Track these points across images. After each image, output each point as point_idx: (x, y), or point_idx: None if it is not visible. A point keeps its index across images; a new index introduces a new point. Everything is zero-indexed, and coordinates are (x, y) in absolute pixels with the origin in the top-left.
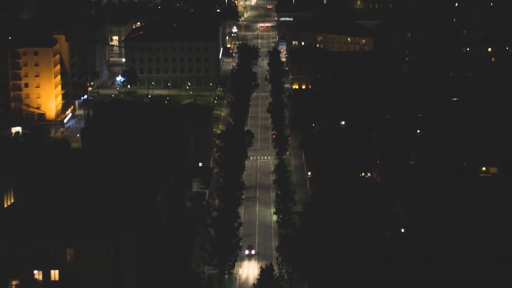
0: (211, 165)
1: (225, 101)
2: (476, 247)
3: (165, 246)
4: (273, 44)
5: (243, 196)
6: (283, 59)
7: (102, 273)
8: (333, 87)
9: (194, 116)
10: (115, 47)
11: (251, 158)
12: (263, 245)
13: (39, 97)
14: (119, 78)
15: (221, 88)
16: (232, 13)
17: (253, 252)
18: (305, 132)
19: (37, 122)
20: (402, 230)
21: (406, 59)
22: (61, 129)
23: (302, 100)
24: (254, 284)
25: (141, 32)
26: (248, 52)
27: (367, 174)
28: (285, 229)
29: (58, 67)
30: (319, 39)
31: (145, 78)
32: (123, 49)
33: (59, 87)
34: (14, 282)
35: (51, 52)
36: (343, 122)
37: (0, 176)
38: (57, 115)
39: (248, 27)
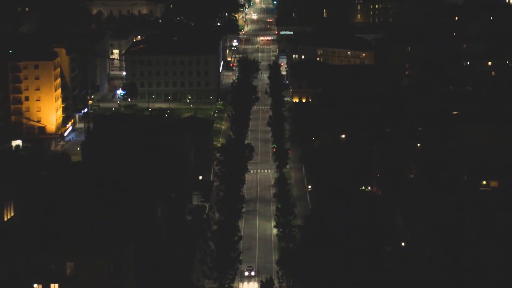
0: (211, 179)
1: (225, 115)
2: (477, 261)
3: (165, 260)
4: (274, 58)
5: (243, 210)
6: (283, 73)
7: (102, 286)
8: (333, 101)
9: (195, 130)
10: (115, 61)
11: (251, 171)
12: (263, 259)
13: (39, 111)
14: (120, 92)
15: (222, 102)
16: (233, 27)
17: (252, 273)
18: (305, 146)
19: (37, 136)
20: (403, 244)
21: (406, 72)
22: (62, 142)
23: (302, 113)
24: None
25: (141, 46)
26: (248, 66)
27: (367, 188)
28: (285, 243)
29: (59, 80)
30: (319, 53)
31: (145, 91)
32: (123, 63)
33: (60, 100)
34: None
35: (52, 66)
36: (343, 136)
37: (0, 189)
38: (58, 129)
39: (248, 40)
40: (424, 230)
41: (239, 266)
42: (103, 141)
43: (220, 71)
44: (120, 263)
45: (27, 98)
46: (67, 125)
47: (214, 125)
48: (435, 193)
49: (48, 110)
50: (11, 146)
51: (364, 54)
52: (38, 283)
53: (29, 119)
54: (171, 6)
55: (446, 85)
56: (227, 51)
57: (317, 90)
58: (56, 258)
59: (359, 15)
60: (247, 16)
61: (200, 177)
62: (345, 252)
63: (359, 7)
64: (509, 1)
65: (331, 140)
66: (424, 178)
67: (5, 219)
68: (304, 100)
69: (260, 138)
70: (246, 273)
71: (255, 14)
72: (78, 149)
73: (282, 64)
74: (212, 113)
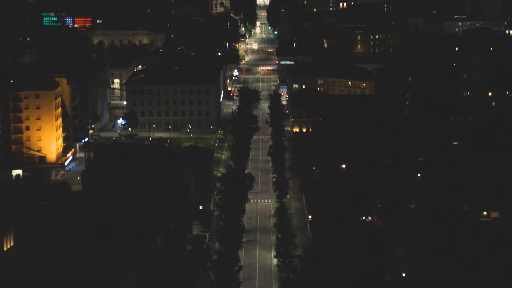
0: (211, 208)
1: (225, 144)
2: None
3: None
4: (274, 87)
5: (243, 240)
6: (284, 102)
7: None
8: (333, 131)
9: (195, 159)
10: (116, 90)
11: (252, 201)
12: None
13: (40, 140)
14: (120, 121)
15: (222, 131)
16: (233, 57)
17: None
18: (305, 175)
19: (37, 165)
20: (403, 275)
21: (407, 102)
22: (62, 171)
23: (302, 143)
24: None
25: (142, 75)
26: (249, 95)
27: (367, 218)
28: (285, 273)
29: (60, 110)
30: (319, 83)
31: (146, 120)
32: (124, 92)
33: (60, 129)
34: None
35: (53, 95)
36: (343, 166)
37: (0, 219)
38: (58, 158)
39: (249, 70)
40: (424, 261)
41: None
42: (104, 171)
43: (221, 100)
44: None
45: (27, 128)
46: (68, 155)
47: (215, 154)
48: (436, 224)
49: (49, 140)
50: (12, 175)
51: (364, 84)
52: None
53: (29, 148)
54: (172, 36)
55: (447, 115)
56: (228, 80)
57: (318, 119)
58: None
59: (359, 45)
60: (247, 46)
61: (200, 207)
62: (345, 283)
63: (359, 37)
64: (509, 32)
65: (331, 170)
66: (425, 208)
67: (5, 249)
68: (304, 130)
69: (260, 167)
70: None
71: (256, 44)
72: (79, 178)
73: (282, 93)
74: (213, 142)
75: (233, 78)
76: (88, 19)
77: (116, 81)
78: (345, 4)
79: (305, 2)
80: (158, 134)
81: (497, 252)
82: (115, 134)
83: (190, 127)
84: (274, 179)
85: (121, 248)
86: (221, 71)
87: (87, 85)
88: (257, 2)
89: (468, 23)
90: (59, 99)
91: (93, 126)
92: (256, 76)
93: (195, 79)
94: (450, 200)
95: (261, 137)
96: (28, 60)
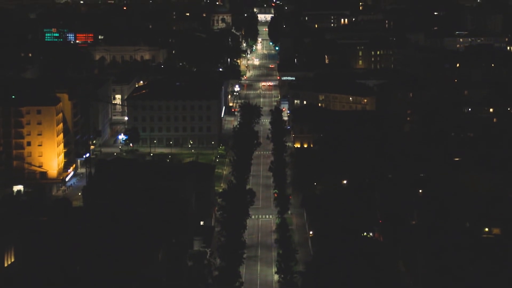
0: (212, 224)
1: (227, 160)
2: None
3: None
4: (275, 103)
5: (245, 255)
6: (285, 118)
7: None
8: (335, 146)
9: (196, 175)
10: (117, 106)
11: (253, 216)
12: None
13: (41, 156)
14: (121, 137)
15: (223, 147)
16: (235, 72)
17: None
18: (307, 191)
19: (39, 181)
20: None
21: (408, 118)
22: (63, 187)
23: (304, 159)
24: None
25: (143, 91)
26: (250, 111)
27: (369, 234)
28: None
29: (61, 125)
30: (321, 98)
31: (147, 136)
32: (125, 108)
33: (62, 145)
34: None
35: (54, 111)
36: (345, 181)
37: (1, 235)
38: (59, 174)
39: (250, 86)
40: (425, 277)
41: None
42: (105, 186)
43: (222, 116)
44: None
45: (29, 143)
46: (69, 170)
47: (216, 170)
48: (437, 240)
49: (50, 155)
50: (13, 191)
51: (365, 100)
52: None
53: (30, 164)
54: (173, 52)
55: (448, 131)
56: (229, 96)
57: (319, 135)
58: None
59: (360, 61)
60: (249, 62)
61: (201, 223)
62: None
63: (360, 53)
64: (510, 48)
65: (332, 185)
66: (426, 224)
67: (6, 265)
68: (305, 146)
69: (261, 183)
70: None
71: (257, 59)
72: (80, 194)
73: (284, 109)
74: (214, 158)
75: (235, 93)
76: (90, 35)
77: (118, 96)
78: (346, 20)
79: (306, 18)
80: (159, 150)
81: (498, 269)
82: (116, 150)
83: (191, 142)
84: (275, 195)
85: (121, 264)
86: (223, 87)
87: (88, 101)
88: (259, 18)
89: (469, 40)
90: (60, 115)
91: (94, 141)
92: (258, 91)
93: (197, 94)
94: (451, 216)
95: (262, 152)
96: (30, 75)
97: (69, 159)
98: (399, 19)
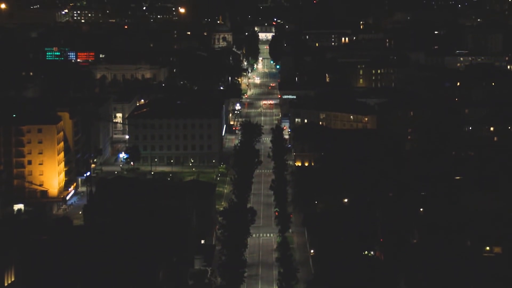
0: (213, 242)
1: (228, 178)
2: None
3: None
4: (276, 122)
5: (245, 274)
6: (286, 136)
7: None
8: (336, 165)
9: (197, 193)
10: (118, 124)
11: (254, 235)
12: None
13: (42, 174)
14: (122, 155)
15: (224, 165)
16: (236, 91)
17: None
18: (308, 210)
19: (39, 199)
20: None
21: (409, 137)
22: (64, 206)
23: (305, 177)
24: None
25: (144, 109)
26: (251, 129)
27: (370, 252)
28: None
29: (62, 144)
30: (321, 117)
31: (148, 154)
32: (126, 126)
33: (62, 164)
34: None
35: (55, 130)
36: (346, 200)
37: (1, 254)
38: (60, 192)
39: (251, 104)
40: None
41: None
42: (105, 205)
43: (223, 134)
44: None
45: (29, 162)
46: (69, 189)
47: (217, 188)
48: (438, 258)
49: (51, 174)
50: (13, 210)
51: (366, 119)
52: None
53: (31, 182)
54: (174, 71)
55: (449, 150)
56: (230, 114)
57: (320, 154)
58: None
59: (361, 80)
60: (250, 80)
61: (202, 241)
62: None
63: (361, 72)
64: (510, 67)
65: (334, 204)
66: (427, 243)
67: (6, 284)
68: (306, 164)
69: (262, 201)
70: None
71: (258, 78)
72: (80, 213)
73: (284, 127)
74: (215, 176)
75: (235, 112)
76: (91, 53)
77: (119, 115)
78: (347, 39)
79: (307, 37)
80: (160, 168)
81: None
82: (117, 168)
83: (192, 161)
84: (276, 213)
85: (122, 283)
86: (223, 105)
87: (89, 119)
88: (260, 37)
89: (470, 59)
90: (61, 133)
91: (95, 160)
92: (258, 110)
93: (197, 113)
94: (452, 234)
95: (263, 171)
96: (31, 94)
97: (70, 177)
98: (399, 38)
